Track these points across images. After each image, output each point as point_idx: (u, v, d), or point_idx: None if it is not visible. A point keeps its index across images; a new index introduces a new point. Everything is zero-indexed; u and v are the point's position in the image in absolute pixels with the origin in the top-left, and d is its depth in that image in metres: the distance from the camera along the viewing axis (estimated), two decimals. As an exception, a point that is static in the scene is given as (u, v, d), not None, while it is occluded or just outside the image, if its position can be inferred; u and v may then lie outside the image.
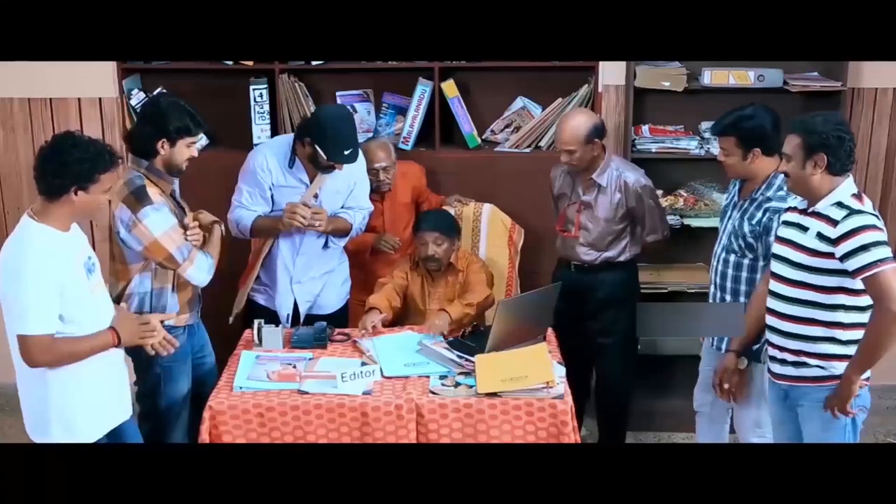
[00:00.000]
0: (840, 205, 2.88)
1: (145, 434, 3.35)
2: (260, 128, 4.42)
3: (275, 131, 4.38)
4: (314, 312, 3.94)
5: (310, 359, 3.50)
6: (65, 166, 2.76)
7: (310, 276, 3.91)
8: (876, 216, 2.88)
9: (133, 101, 4.40)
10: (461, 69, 4.45)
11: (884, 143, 4.47)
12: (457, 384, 3.30)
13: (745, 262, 3.39)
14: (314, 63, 4.35)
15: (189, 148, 3.33)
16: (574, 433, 3.21)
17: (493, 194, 4.39)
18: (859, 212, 2.85)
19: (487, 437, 3.20)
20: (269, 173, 3.76)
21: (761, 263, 3.35)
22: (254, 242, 3.97)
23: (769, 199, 3.32)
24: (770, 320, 3.08)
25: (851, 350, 2.93)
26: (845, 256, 2.82)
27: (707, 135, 4.30)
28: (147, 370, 3.42)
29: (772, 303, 3.07)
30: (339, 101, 4.50)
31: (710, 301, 3.53)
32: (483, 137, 4.56)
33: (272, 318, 3.83)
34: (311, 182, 3.77)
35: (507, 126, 4.53)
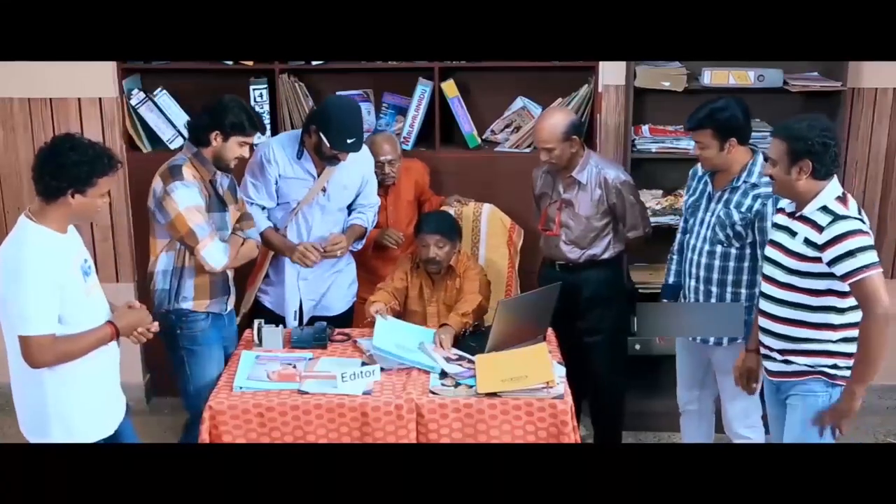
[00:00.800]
0: (825, 209, 2.91)
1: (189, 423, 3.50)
2: (260, 128, 4.42)
3: (275, 131, 4.38)
4: (319, 314, 3.94)
5: (310, 359, 3.50)
6: (62, 168, 2.75)
7: (317, 274, 3.91)
8: (860, 220, 2.90)
9: (133, 101, 4.40)
10: (461, 69, 4.45)
11: (884, 143, 4.46)
12: (457, 384, 3.30)
13: (733, 251, 3.42)
14: (314, 63, 4.35)
15: (241, 147, 3.45)
16: (574, 433, 3.21)
17: (492, 194, 4.39)
18: (844, 217, 2.88)
19: (487, 437, 3.20)
20: (275, 164, 3.78)
21: (748, 252, 3.39)
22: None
23: (755, 186, 3.37)
24: (762, 321, 3.12)
25: (840, 349, 2.96)
26: (833, 262, 2.85)
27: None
28: (173, 353, 3.53)
29: (763, 304, 3.10)
30: (339, 100, 4.51)
31: (692, 296, 3.54)
32: (483, 137, 4.56)
33: (278, 321, 3.83)
34: (319, 175, 3.78)
35: (507, 126, 4.53)
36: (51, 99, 4.43)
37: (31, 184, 2.82)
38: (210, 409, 3.22)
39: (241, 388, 3.30)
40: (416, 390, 3.27)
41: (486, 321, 3.76)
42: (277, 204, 3.85)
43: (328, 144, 3.64)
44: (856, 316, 2.93)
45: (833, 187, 2.94)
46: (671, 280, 3.71)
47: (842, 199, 2.93)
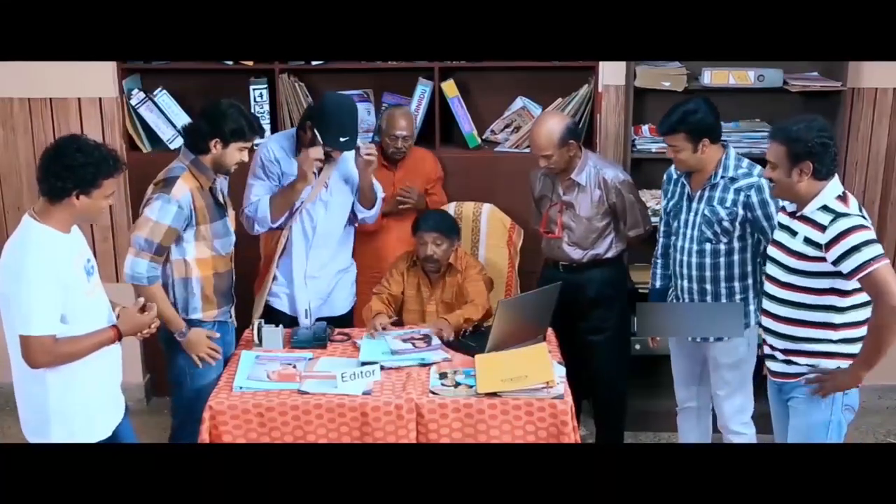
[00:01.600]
0: (826, 208, 2.91)
1: (175, 425, 3.48)
2: (260, 128, 4.42)
3: (275, 131, 4.37)
4: (325, 314, 3.94)
5: (310, 359, 3.50)
6: (68, 170, 2.75)
7: (323, 272, 3.91)
8: (861, 216, 2.91)
9: (133, 101, 4.40)
10: (461, 69, 4.45)
11: (884, 143, 4.46)
12: (457, 384, 3.30)
13: (722, 247, 3.45)
14: (314, 63, 4.36)
15: (241, 152, 3.43)
16: (574, 433, 3.22)
17: (492, 194, 4.40)
18: (845, 214, 2.88)
19: (487, 437, 3.20)
20: (276, 164, 3.80)
21: (737, 245, 3.43)
22: (265, 247, 3.99)
23: (734, 180, 3.40)
24: (764, 321, 3.13)
25: (842, 349, 2.96)
26: (838, 260, 2.85)
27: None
28: (172, 358, 3.51)
29: (765, 304, 3.11)
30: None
31: (687, 296, 3.56)
32: (483, 137, 4.56)
33: (291, 321, 3.84)
34: (319, 172, 3.79)
35: (507, 126, 4.53)
36: (51, 99, 4.43)
37: (32, 184, 2.83)
38: (210, 408, 3.22)
39: (241, 388, 3.30)
40: (416, 390, 3.27)
41: (486, 321, 3.76)
42: None
43: (321, 141, 3.64)
44: (856, 315, 2.94)
45: (833, 186, 2.94)
46: (658, 284, 3.75)
47: (842, 198, 2.94)
